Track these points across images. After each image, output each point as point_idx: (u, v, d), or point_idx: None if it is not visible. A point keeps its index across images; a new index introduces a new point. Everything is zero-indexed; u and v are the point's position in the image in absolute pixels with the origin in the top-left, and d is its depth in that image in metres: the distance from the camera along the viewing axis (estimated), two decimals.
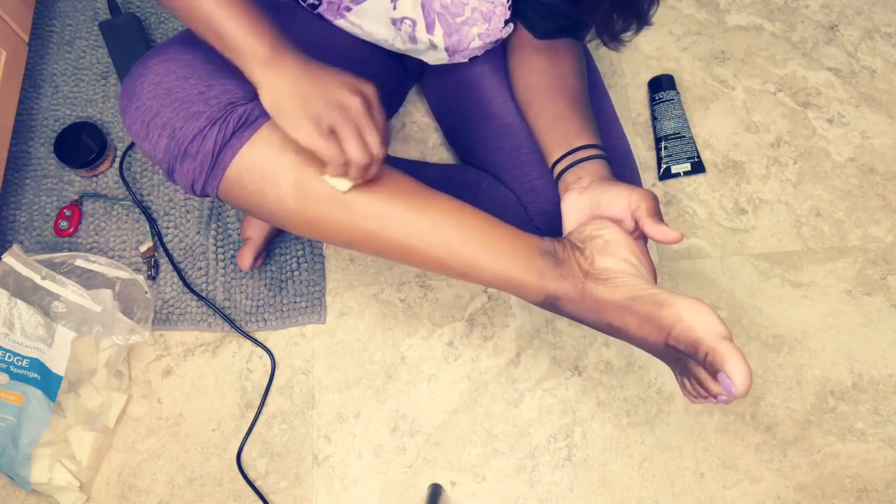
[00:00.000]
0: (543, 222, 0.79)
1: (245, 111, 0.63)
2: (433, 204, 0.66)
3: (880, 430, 0.90)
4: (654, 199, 0.66)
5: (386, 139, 0.62)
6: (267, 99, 0.61)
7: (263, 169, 0.63)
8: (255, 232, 0.94)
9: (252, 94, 0.64)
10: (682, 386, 0.62)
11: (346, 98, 0.60)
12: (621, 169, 0.82)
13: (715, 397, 0.58)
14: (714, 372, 0.55)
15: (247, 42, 0.60)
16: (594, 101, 0.83)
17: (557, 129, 0.74)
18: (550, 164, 0.74)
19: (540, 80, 0.78)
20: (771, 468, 0.89)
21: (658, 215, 0.65)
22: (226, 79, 0.64)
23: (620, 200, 0.66)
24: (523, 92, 0.80)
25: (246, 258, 0.94)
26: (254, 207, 0.66)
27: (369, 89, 0.62)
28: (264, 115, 0.63)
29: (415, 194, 0.66)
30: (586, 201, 0.68)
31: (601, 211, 0.67)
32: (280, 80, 0.60)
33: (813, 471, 0.88)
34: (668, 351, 0.59)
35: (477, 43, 0.79)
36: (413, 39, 0.78)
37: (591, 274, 0.64)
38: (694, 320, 0.57)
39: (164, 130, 0.64)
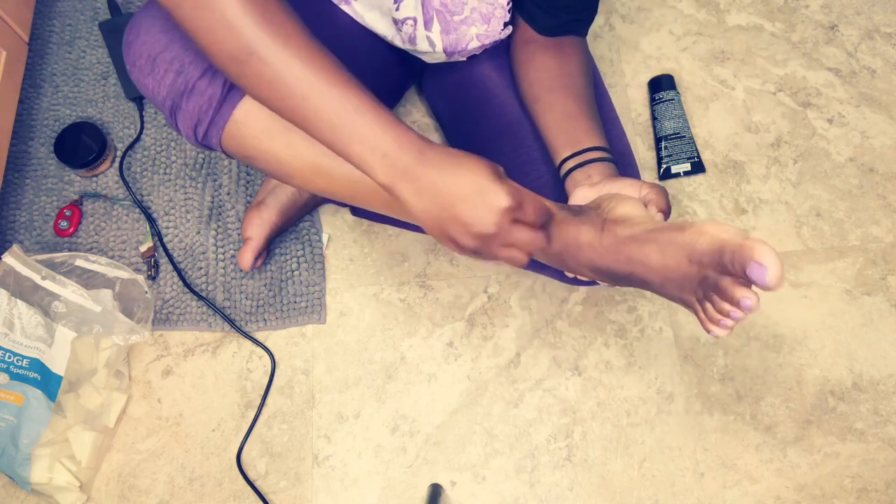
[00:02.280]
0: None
1: None
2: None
3: (880, 430, 0.90)
4: (665, 194, 0.67)
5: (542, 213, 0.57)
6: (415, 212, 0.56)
7: (272, 114, 0.59)
8: (256, 232, 0.94)
9: None
10: (703, 313, 0.59)
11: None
12: (621, 168, 0.82)
13: (740, 307, 0.55)
14: (742, 270, 0.53)
15: (383, 143, 0.54)
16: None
17: (565, 128, 0.74)
18: (558, 163, 0.75)
19: (547, 77, 0.78)
20: (771, 468, 0.89)
21: (668, 211, 0.66)
22: None
23: (632, 193, 0.66)
24: (529, 88, 0.80)
25: (246, 258, 0.94)
26: (258, 154, 0.63)
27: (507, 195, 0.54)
28: None
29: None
30: (596, 194, 0.69)
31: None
32: (419, 206, 0.55)
33: (813, 471, 0.88)
34: (691, 270, 0.58)
35: (475, 44, 0.79)
36: (412, 40, 0.78)
37: (608, 220, 0.64)
38: (716, 230, 0.57)
39: (171, 65, 0.60)
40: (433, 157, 0.54)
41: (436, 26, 0.77)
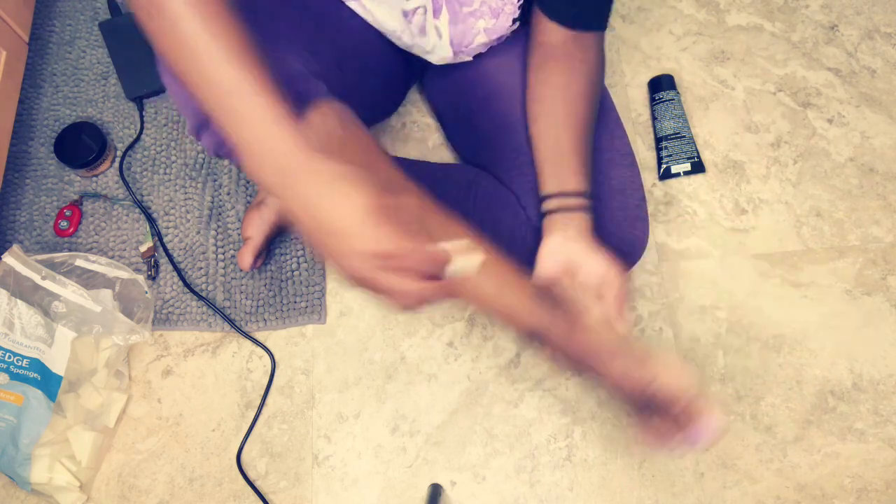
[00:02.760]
0: (541, 222, 0.80)
1: (303, 88, 0.59)
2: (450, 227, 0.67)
3: (880, 430, 0.90)
4: (625, 282, 0.72)
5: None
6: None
7: None
8: (256, 231, 0.94)
9: (308, 70, 0.60)
10: (643, 428, 0.71)
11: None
12: (622, 169, 0.82)
13: (674, 442, 0.68)
14: (685, 424, 0.66)
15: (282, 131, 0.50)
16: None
17: (555, 162, 0.77)
18: (541, 194, 0.77)
19: (550, 97, 0.78)
20: (771, 468, 0.89)
21: (624, 301, 0.72)
22: (286, 51, 0.61)
23: (597, 273, 0.72)
24: (531, 103, 0.80)
25: (246, 258, 0.94)
26: None
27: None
28: (320, 95, 0.59)
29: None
30: (565, 255, 0.73)
31: (575, 271, 0.73)
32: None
33: (813, 471, 0.88)
34: (643, 396, 0.68)
35: (482, 38, 0.79)
36: (422, 31, 0.78)
37: (580, 323, 0.71)
38: (671, 381, 0.67)
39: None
40: (319, 167, 0.49)
41: (444, 15, 0.77)
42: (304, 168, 0.49)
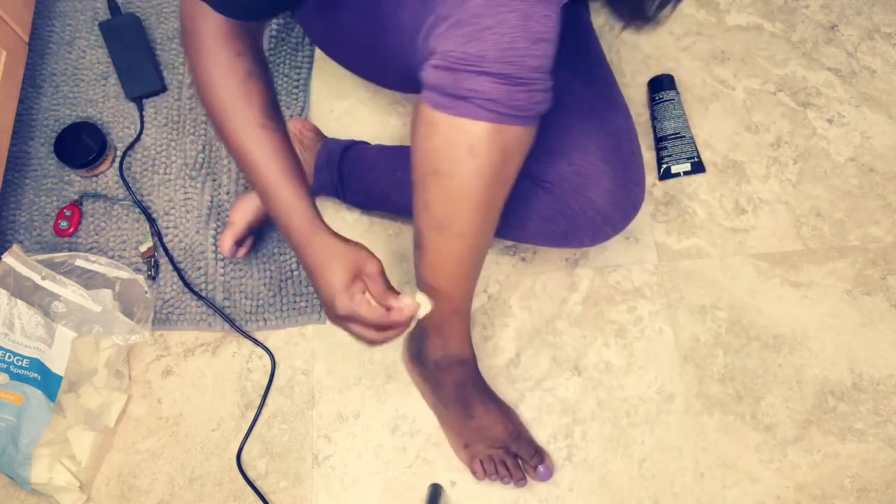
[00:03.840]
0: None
1: None
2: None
3: (880, 430, 0.90)
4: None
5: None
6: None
7: None
8: (239, 217, 0.93)
9: None
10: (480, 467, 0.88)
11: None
12: (630, 151, 0.80)
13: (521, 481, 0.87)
14: (532, 465, 0.86)
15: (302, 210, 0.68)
16: (601, 86, 0.82)
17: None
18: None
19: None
20: (771, 468, 0.89)
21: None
22: None
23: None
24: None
25: (226, 241, 0.93)
26: None
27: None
28: None
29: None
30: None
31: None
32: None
33: (813, 471, 0.88)
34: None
35: None
36: None
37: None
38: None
39: None
40: (314, 246, 0.67)
41: None
42: (310, 242, 0.67)
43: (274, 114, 0.67)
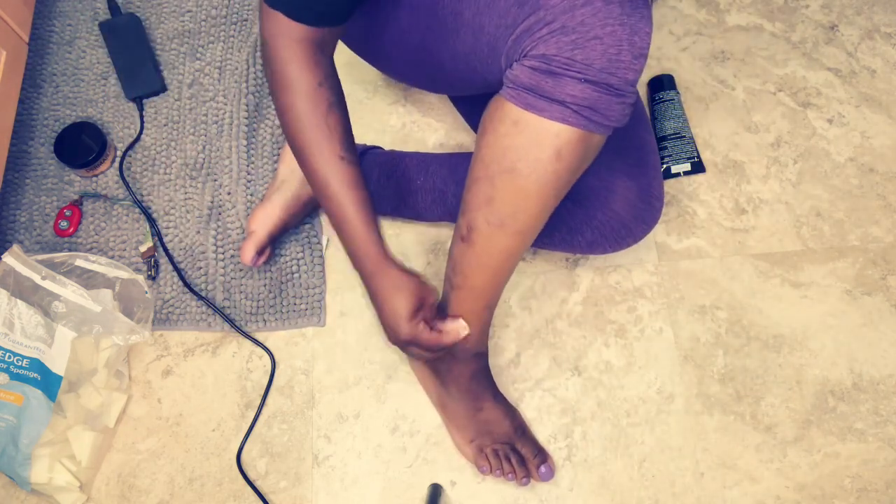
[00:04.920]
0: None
1: None
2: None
3: (880, 430, 0.90)
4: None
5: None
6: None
7: None
8: (260, 226, 0.94)
9: None
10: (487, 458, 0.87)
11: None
12: (645, 164, 0.82)
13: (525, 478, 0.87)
14: (534, 466, 0.86)
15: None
16: None
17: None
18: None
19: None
20: (771, 468, 0.89)
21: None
22: None
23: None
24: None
25: (248, 250, 0.93)
26: None
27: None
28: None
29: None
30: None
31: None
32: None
33: (813, 471, 0.88)
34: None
35: None
36: None
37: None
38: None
39: None
40: (382, 277, 0.72)
41: None
42: (378, 273, 0.72)
43: (350, 145, 0.70)
